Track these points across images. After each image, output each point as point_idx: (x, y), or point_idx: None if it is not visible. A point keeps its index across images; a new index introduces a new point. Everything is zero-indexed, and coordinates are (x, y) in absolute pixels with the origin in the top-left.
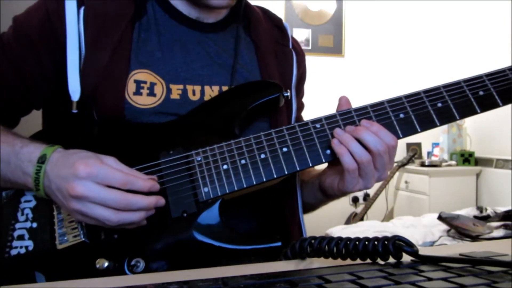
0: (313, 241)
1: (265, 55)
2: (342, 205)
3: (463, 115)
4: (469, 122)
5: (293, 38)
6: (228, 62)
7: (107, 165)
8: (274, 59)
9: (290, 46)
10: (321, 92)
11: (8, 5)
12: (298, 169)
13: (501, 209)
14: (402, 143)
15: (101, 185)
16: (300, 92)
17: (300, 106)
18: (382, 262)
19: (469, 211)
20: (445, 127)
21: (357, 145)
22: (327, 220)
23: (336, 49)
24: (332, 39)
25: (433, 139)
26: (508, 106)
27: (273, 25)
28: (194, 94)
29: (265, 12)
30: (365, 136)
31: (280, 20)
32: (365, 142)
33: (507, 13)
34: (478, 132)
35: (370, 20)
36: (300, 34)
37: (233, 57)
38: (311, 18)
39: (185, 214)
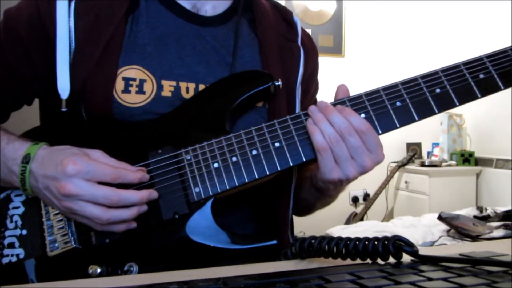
0: (313, 241)
1: (269, 53)
2: (342, 205)
3: (463, 101)
4: (469, 122)
5: (304, 33)
6: (226, 59)
7: (95, 160)
8: (278, 57)
9: (299, 42)
10: (321, 92)
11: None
12: (291, 164)
13: (501, 209)
14: (402, 143)
15: (91, 182)
16: (310, 90)
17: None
18: (382, 262)
19: (469, 211)
20: (445, 126)
21: (327, 124)
22: (327, 220)
23: (336, 49)
24: (332, 39)
25: (433, 139)
26: (508, 106)
27: (282, 19)
28: (187, 91)
29: (275, 6)
30: (333, 118)
31: (290, 13)
32: (331, 122)
33: (507, 13)
34: (478, 132)
35: (370, 20)
36: None
37: (232, 54)
38: (311, 18)
39: (176, 216)
